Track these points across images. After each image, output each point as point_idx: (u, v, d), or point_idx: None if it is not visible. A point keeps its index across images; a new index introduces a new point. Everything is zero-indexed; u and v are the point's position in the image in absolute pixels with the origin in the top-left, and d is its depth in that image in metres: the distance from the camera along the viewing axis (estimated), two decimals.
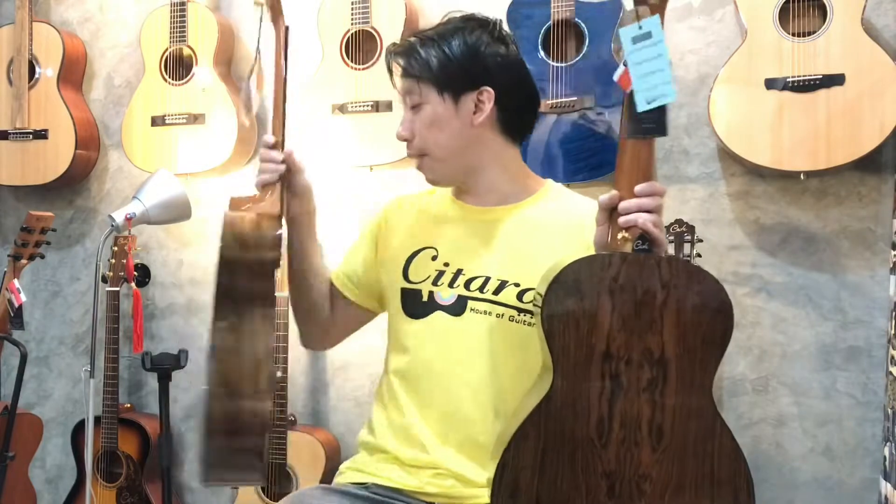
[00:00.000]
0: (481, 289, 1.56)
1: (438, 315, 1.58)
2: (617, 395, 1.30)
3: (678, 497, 1.31)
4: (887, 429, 2.27)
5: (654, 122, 1.34)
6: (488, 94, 1.56)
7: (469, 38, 1.57)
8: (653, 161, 1.36)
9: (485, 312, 1.55)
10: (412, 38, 1.60)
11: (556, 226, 1.59)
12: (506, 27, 1.62)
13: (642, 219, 1.31)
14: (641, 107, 1.34)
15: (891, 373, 2.27)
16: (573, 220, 1.56)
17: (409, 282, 1.62)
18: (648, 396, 1.30)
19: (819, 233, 2.50)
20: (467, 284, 1.57)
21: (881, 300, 2.43)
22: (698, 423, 1.31)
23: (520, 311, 1.54)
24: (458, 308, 1.56)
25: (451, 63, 1.55)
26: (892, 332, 2.27)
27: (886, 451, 2.27)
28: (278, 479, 2.74)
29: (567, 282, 1.31)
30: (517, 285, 1.55)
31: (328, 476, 2.67)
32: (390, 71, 1.63)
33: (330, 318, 1.74)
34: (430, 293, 1.59)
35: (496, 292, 1.55)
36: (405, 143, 1.63)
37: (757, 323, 2.54)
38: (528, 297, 1.53)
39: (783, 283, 2.53)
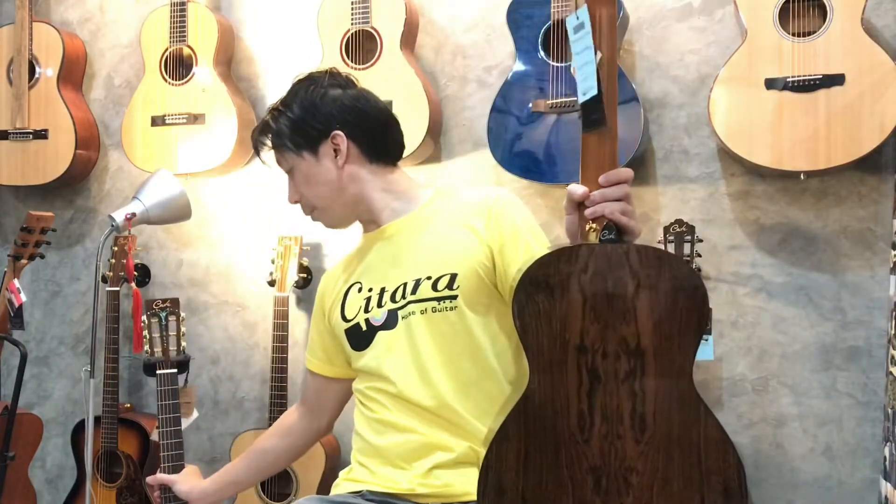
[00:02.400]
0: (403, 295, 1.64)
1: (380, 336, 1.66)
2: (595, 388, 1.28)
3: (667, 488, 1.28)
4: (887, 429, 2.27)
5: (600, 113, 1.28)
6: (340, 137, 1.68)
7: (306, 96, 1.70)
8: (615, 150, 1.31)
9: (411, 314, 1.63)
10: (266, 116, 1.74)
11: (443, 216, 1.69)
12: (346, 73, 1.77)
13: (609, 209, 1.29)
14: (581, 98, 1.30)
15: (891, 373, 2.27)
16: (457, 208, 1.68)
17: (348, 321, 1.72)
18: (628, 388, 1.28)
19: (819, 233, 2.50)
20: (392, 297, 1.66)
21: (881, 300, 2.43)
22: (681, 410, 1.28)
23: (439, 299, 1.61)
24: (391, 322, 1.65)
25: (297, 124, 1.69)
26: (892, 332, 2.27)
27: (886, 451, 2.27)
28: (278, 480, 2.74)
29: (535, 278, 1.29)
30: (429, 278, 1.62)
31: (328, 476, 2.67)
32: (257, 152, 1.77)
33: (313, 415, 1.90)
34: (367, 321, 1.69)
35: (414, 291, 1.63)
36: (299, 207, 1.76)
37: (757, 323, 2.54)
38: (441, 283, 1.61)
39: (783, 283, 2.53)
